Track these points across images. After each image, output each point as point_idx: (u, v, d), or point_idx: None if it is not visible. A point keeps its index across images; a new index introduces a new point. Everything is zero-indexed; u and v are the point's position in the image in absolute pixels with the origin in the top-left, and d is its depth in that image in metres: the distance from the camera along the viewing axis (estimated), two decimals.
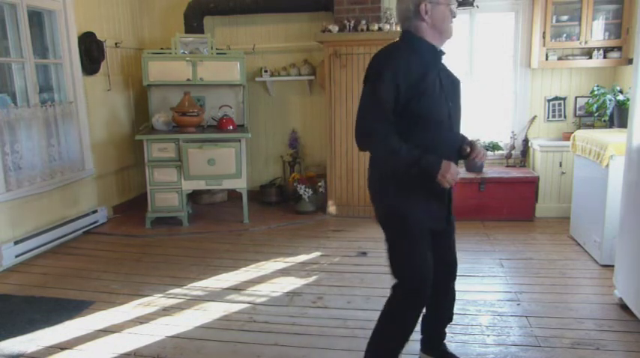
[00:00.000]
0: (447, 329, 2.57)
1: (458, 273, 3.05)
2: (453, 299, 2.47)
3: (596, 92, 4.76)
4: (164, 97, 5.38)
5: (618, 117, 4.63)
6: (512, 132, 5.40)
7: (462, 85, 2.41)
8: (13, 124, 4.05)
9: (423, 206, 2.14)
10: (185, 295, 3.50)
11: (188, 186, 4.98)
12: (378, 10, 5.07)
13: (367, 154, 2.23)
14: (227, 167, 4.94)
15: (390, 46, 2.15)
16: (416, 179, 2.06)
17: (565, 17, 4.94)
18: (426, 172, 2.02)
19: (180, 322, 3.11)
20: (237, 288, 3.60)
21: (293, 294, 3.48)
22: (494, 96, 5.49)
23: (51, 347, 2.83)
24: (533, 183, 5.00)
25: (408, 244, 2.15)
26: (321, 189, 5.35)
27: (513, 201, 5.00)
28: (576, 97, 5.28)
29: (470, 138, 2.34)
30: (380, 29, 4.92)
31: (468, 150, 2.27)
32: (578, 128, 5.07)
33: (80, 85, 4.83)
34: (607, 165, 3.63)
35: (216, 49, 5.30)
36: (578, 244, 4.28)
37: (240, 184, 5.04)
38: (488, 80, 5.47)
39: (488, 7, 5.22)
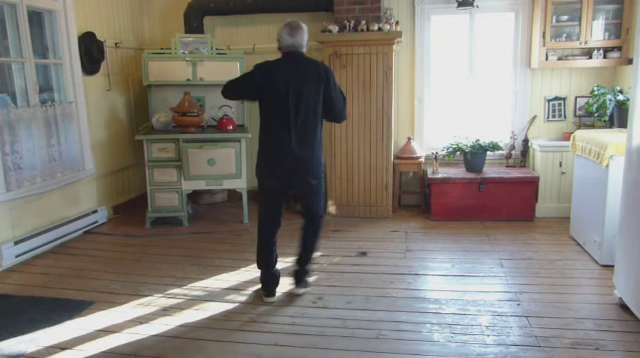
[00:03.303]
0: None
1: (458, 273, 3.87)
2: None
3: (596, 92, 4.76)
4: (164, 97, 5.38)
5: (618, 117, 4.63)
6: (512, 132, 5.40)
7: None
8: (13, 124, 4.05)
9: None
10: (185, 295, 3.50)
11: (188, 186, 4.98)
12: (378, 10, 5.08)
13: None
14: (227, 167, 4.94)
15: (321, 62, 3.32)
16: None
17: (565, 17, 4.94)
18: None
19: (180, 322, 3.11)
20: (237, 288, 3.61)
21: (293, 294, 3.48)
22: (494, 96, 5.49)
23: (51, 347, 2.84)
24: (533, 183, 5.00)
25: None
26: None
27: (513, 201, 5.00)
28: (576, 97, 5.28)
29: None
30: (380, 29, 4.92)
31: None
32: (578, 128, 5.07)
33: (80, 85, 4.83)
34: (607, 165, 3.63)
35: (216, 49, 5.30)
36: (578, 244, 4.28)
37: (240, 184, 5.04)
38: (488, 80, 5.47)
39: (488, 7, 5.22)
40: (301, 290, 3.46)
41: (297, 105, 3.13)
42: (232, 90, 3.34)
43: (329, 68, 3.25)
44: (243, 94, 3.42)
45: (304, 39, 3.21)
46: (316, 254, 3.52)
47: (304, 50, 3.24)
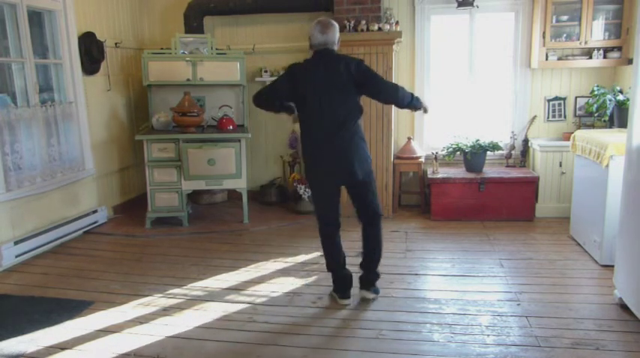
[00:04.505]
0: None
1: (458, 273, 3.85)
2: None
3: (596, 92, 4.76)
4: (164, 97, 5.38)
5: (618, 117, 4.63)
6: (512, 132, 5.40)
7: None
8: (13, 124, 4.05)
9: None
10: (185, 295, 3.50)
11: (188, 186, 4.98)
12: (378, 10, 5.08)
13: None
14: (227, 167, 4.94)
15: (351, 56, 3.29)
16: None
17: (565, 17, 4.94)
18: None
19: (180, 322, 3.11)
20: (237, 288, 3.61)
21: (293, 294, 3.48)
22: (494, 96, 5.49)
23: (51, 347, 2.84)
24: (533, 183, 5.00)
25: None
26: None
27: (513, 201, 5.00)
28: (576, 97, 5.28)
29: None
30: (380, 29, 4.92)
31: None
32: (578, 128, 5.07)
33: (80, 85, 4.83)
34: (607, 165, 3.63)
35: (216, 49, 5.30)
36: (578, 244, 4.28)
37: (240, 184, 5.04)
38: (488, 80, 5.47)
39: (488, 7, 5.22)
40: (370, 296, 3.32)
41: (328, 103, 3.10)
42: (261, 95, 3.30)
43: (360, 60, 3.18)
44: (272, 97, 3.29)
45: (335, 36, 3.20)
46: (381, 257, 3.34)
47: (335, 48, 3.22)
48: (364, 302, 3.33)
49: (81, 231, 4.79)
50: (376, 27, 4.92)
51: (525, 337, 2.86)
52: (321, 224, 3.33)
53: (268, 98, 3.29)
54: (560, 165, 4.99)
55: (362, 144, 3.22)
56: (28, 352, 2.78)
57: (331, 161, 3.16)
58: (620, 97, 4.61)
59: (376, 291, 3.37)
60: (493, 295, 3.41)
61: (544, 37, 4.93)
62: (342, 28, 4.98)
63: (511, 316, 3.11)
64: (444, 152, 5.28)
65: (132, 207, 5.58)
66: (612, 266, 3.42)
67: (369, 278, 3.35)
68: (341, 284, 3.33)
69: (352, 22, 4.99)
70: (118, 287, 3.62)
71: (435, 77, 5.51)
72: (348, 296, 3.31)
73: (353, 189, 3.29)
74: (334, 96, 3.11)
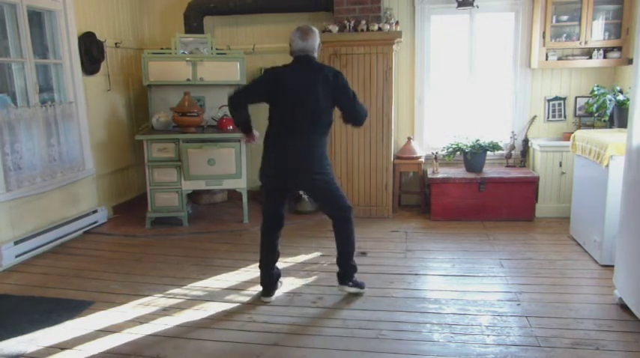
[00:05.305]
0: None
1: (458, 273, 3.85)
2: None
3: (596, 92, 4.76)
4: (164, 97, 5.38)
5: (618, 117, 4.63)
6: (512, 132, 5.40)
7: None
8: (13, 124, 4.05)
9: None
10: (185, 295, 3.50)
11: (188, 186, 4.98)
12: (378, 10, 5.08)
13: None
14: (227, 167, 4.94)
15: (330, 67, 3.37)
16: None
17: (565, 17, 4.94)
18: None
19: (180, 322, 3.11)
20: (237, 288, 3.61)
21: (293, 294, 3.48)
22: (494, 96, 5.49)
23: (51, 347, 2.84)
24: (533, 183, 5.00)
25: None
26: None
27: (513, 201, 5.00)
28: (576, 97, 5.28)
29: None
30: (380, 29, 4.92)
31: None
32: (578, 128, 5.07)
33: (80, 85, 4.83)
34: (607, 165, 3.63)
35: (216, 49, 5.30)
36: (578, 244, 4.28)
37: (240, 184, 5.04)
38: (488, 80, 5.47)
39: (488, 7, 5.22)
40: (351, 289, 3.43)
41: (301, 109, 3.17)
42: (240, 95, 3.33)
43: (339, 73, 3.26)
44: (249, 99, 3.37)
45: (315, 43, 3.27)
46: (354, 249, 3.44)
47: (315, 55, 3.30)
48: (355, 298, 3.37)
49: (81, 231, 4.80)
50: (376, 27, 4.92)
51: (525, 337, 2.86)
52: (263, 222, 3.45)
53: (240, 100, 3.33)
54: (560, 165, 4.99)
55: (322, 151, 3.31)
56: (28, 352, 2.78)
57: (286, 167, 3.25)
58: (620, 97, 4.61)
59: (358, 285, 3.46)
60: (493, 295, 3.41)
61: (544, 37, 4.93)
62: (342, 28, 5.00)
63: (511, 316, 3.11)
64: (444, 152, 5.28)
65: (132, 207, 5.58)
66: (612, 266, 3.42)
67: (345, 271, 3.43)
68: (266, 282, 3.44)
69: (352, 22, 4.99)
70: (118, 287, 3.62)
71: (435, 77, 5.51)
72: (269, 294, 3.42)
73: (310, 191, 3.49)
74: (308, 104, 3.17)
